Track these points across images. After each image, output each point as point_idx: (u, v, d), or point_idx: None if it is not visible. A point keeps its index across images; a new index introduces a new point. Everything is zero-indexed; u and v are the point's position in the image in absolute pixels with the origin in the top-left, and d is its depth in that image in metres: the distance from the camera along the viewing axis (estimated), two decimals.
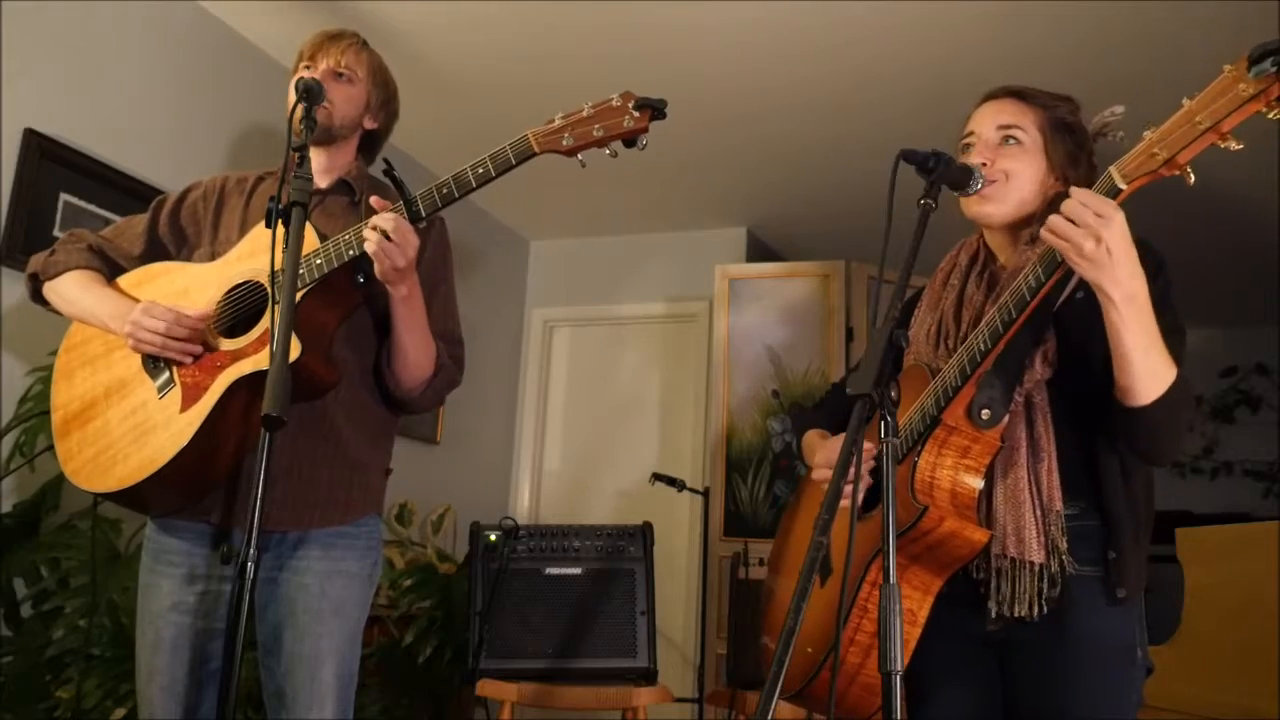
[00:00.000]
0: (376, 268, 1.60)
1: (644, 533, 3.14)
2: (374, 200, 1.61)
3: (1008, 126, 1.55)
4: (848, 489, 1.25)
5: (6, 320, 2.58)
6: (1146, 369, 1.29)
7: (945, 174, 1.44)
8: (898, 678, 1.11)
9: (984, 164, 1.53)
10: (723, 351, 4.41)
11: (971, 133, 1.59)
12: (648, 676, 2.97)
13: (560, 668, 2.95)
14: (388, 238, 1.57)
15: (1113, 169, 1.26)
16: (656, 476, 3.77)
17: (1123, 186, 1.24)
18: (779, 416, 4.27)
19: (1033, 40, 3.18)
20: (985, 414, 1.42)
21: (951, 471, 1.44)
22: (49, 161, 2.73)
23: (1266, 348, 5.74)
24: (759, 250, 5.08)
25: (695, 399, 4.85)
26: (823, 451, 1.68)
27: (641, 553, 3.11)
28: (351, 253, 1.61)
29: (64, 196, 2.77)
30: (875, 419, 1.22)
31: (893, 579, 1.14)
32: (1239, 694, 2.53)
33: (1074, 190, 1.27)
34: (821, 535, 1.11)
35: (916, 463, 1.45)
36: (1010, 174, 1.53)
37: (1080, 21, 3.06)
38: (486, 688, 2.88)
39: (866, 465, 1.50)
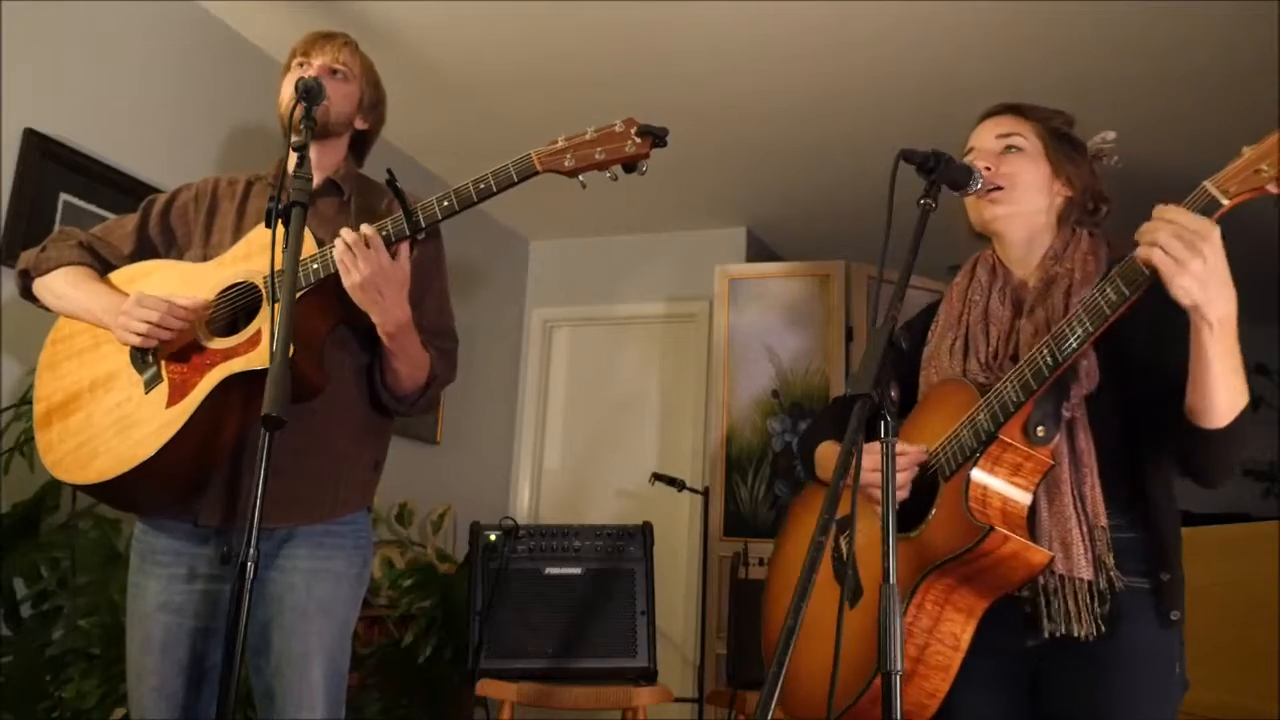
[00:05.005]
0: (344, 280, 1.60)
1: (644, 533, 3.14)
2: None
3: (1007, 134, 1.57)
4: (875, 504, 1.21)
5: (6, 319, 2.58)
6: (1227, 393, 1.28)
7: (945, 173, 1.44)
8: (898, 678, 1.11)
9: (987, 168, 1.54)
10: (723, 351, 4.41)
11: (972, 148, 1.60)
12: (648, 676, 2.97)
13: (560, 668, 2.95)
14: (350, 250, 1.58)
15: (1209, 184, 1.20)
16: (656, 476, 3.77)
17: (1224, 202, 1.19)
18: (779, 416, 4.27)
19: (1033, 40, 3.18)
20: (1041, 431, 1.40)
21: (1003, 489, 1.41)
22: (49, 161, 2.72)
23: (1266, 348, 5.72)
24: (759, 250, 5.08)
25: (695, 399, 4.85)
26: (869, 456, 1.60)
27: (641, 553, 3.11)
28: None
29: (64, 196, 2.77)
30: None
31: (892, 579, 1.14)
32: (1239, 694, 2.53)
33: (1167, 208, 1.20)
34: (821, 535, 1.10)
35: (970, 479, 1.40)
36: (1015, 177, 1.54)
37: (1080, 22, 3.05)
38: (486, 688, 2.88)
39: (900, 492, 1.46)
